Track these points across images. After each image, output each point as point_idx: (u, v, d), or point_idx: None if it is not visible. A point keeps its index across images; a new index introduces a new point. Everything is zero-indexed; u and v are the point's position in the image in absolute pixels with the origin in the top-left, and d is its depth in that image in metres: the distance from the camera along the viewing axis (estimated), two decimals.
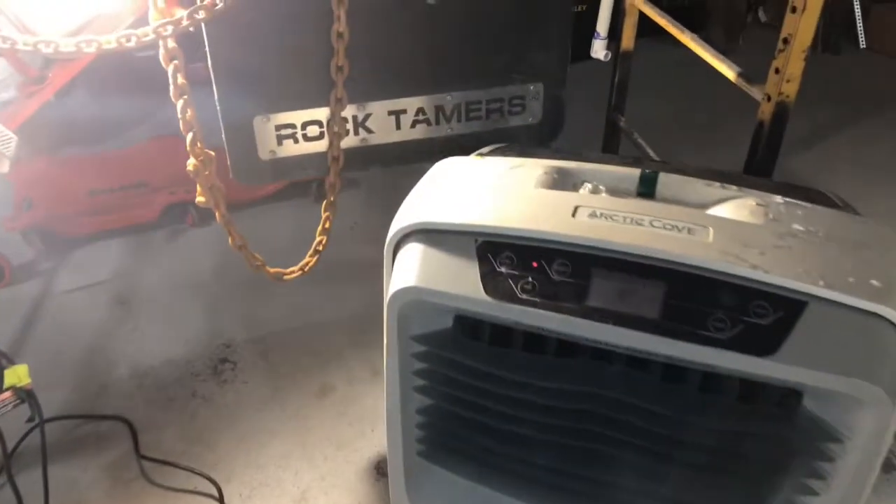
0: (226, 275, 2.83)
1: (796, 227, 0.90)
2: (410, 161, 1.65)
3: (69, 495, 1.94)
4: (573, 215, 0.91)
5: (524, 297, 0.86)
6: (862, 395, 0.78)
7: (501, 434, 0.99)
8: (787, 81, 1.57)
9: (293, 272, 1.71)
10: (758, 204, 0.94)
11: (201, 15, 1.28)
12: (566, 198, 0.95)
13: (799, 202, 0.96)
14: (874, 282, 0.82)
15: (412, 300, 0.92)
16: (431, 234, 0.94)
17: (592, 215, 0.90)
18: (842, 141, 3.55)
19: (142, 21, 1.45)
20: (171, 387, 2.34)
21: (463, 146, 1.66)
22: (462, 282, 0.89)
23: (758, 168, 1.68)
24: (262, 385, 2.32)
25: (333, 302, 2.66)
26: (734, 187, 0.99)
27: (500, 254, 0.90)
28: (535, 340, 0.92)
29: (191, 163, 1.45)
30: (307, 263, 1.72)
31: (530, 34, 1.53)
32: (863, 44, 4.38)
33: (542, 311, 0.85)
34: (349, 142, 1.58)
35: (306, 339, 2.55)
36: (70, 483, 2.00)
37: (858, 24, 4.34)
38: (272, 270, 1.67)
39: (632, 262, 0.85)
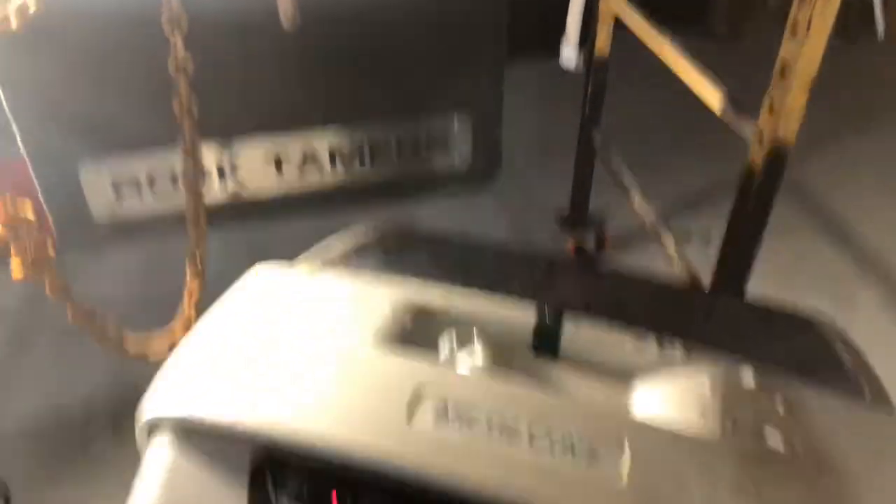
0: (136, 306, 2.48)
1: (772, 444, 0.55)
2: (303, 215, 1.30)
3: None
4: (410, 416, 0.56)
5: None
6: None
7: None
8: (786, 120, 1.20)
9: (160, 353, 1.37)
10: (713, 389, 0.59)
11: None
12: (409, 373, 0.60)
13: (779, 382, 0.61)
14: None
15: None
16: (189, 433, 0.59)
17: (441, 415, 0.56)
18: (862, 144, 3.12)
19: None
20: (62, 445, 2.01)
21: (371, 196, 1.31)
22: None
23: (747, 224, 1.32)
24: None
25: None
26: (678, 347, 0.63)
27: (284, 481, 0.55)
28: None
29: None
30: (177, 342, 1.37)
31: (446, 57, 1.16)
32: (881, 36, 3.94)
33: None
34: (215, 196, 1.23)
35: None
36: None
37: (878, 14, 3.89)
38: (133, 350, 1.33)
39: None
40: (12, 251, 1.12)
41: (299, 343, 0.64)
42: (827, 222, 2.71)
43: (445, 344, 0.66)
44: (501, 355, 0.65)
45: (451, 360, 0.64)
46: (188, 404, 0.59)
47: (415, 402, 0.57)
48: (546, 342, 0.65)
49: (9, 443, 2.02)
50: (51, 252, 1.18)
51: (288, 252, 0.95)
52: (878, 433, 0.58)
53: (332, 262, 0.78)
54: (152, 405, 0.62)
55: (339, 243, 0.85)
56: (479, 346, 0.65)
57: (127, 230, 1.23)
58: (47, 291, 1.21)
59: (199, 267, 1.27)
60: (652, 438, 0.54)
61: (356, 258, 0.80)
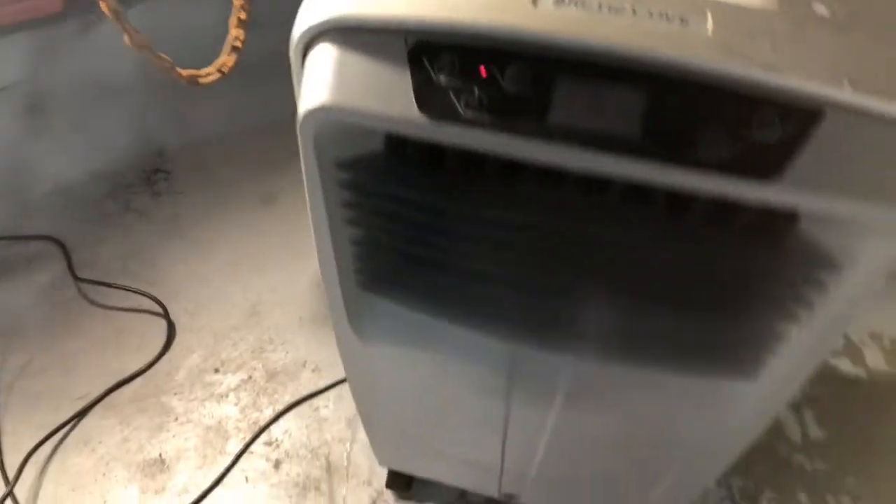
0: (149, 73, 2.51)
1: (819, 9, 0.70)
2: None
3: (4, 320, 1.84)
4: (535, 2, 0.69)
5: (469, 114, 0.68)
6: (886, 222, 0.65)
7: (444, 265, 0.87)
8: None
9: (210, 74, 1.47)
10: None
11: None
12: None
13: None
14: None
15: (328, 121, 0.73)
16: (348, 34, 0.72)
17: (559, 2, 0.69)
18: None
19: None
20: (102, 202, 2.16)
21: None
22: (390, 97, 0.70)
23: None
24: (201, 195, 2.16)
25: (275, 101, 2.42)
26: None
27: (437, 58, 0.69)
28: (477, 160, 0.76)
29: None
30: (224, 63, 1.47)
31: None
32: None
33: (491, 134, 0.68)
34: None
35: (245, 144, 2.35)
36: (3, 308, 1.88)
37: None
38: (185, 73, 1.42)
39: (606, 67, 0.66)
40: None
41: None
42: None
43: None
44: None
45: None
46: (348, 6, 0.71)
47: None
48: None
49: (50, 204, 2.16)
50: None
51: None
52: None
53: None
54: (308, 16, 0.74)
55: None
56: None
57: None
58: (105, 12, 1.26)
59: None
60: (725, 9, 0.69)
61: None
